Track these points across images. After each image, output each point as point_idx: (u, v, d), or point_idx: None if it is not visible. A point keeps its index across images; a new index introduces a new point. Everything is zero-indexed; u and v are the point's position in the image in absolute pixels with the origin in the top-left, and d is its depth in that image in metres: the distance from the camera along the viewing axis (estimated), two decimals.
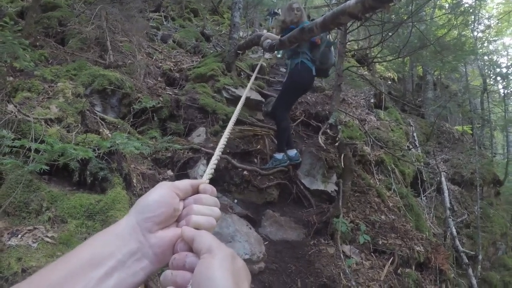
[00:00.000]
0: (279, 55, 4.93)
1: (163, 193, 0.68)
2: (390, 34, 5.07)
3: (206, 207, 0.71)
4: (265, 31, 10.71)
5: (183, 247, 0.64)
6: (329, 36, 4.62)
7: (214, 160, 0.93)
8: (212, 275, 0.54)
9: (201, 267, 0.56)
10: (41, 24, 5.82)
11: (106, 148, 3.00)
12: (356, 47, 9.61)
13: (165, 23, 9.48)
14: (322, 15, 3.78)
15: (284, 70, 7.24)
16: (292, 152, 4.68)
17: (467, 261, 6.13)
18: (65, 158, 2.87)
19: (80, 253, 0.60)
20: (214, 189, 0.76)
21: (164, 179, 4.02)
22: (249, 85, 3.06)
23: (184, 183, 0.73)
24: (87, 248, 0.61)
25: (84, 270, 0.57)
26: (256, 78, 6.57)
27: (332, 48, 4.68)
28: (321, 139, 4.34)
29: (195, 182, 0.74)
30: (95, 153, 3.07)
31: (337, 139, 4.25)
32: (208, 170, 0.85)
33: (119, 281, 0.59)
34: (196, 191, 0.74)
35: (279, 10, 11.36)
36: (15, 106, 3.58)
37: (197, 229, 0.66)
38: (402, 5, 5.59)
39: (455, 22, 8.14)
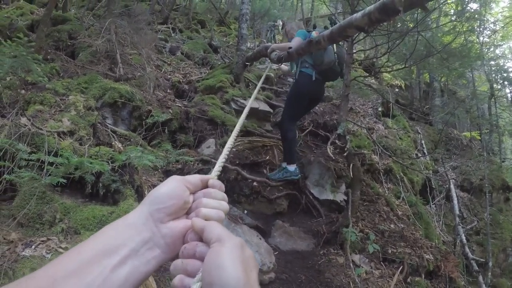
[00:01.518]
0: (292, 70, 5.00)
1: (174, 186, 0.70)
2: (396, 43, 5.11)
3: (215, 201, 0.73)
4: (272, 43, 10.83)
5: (193, 237, 0.66)
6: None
7: (221, 159, 0.95)
8: (222, 262, 0.55)
9: (211, 255, 0.58)
10: (52, 37, 5.92)
11: (121, 161, 3.05)
12: (363, 56, 9.64)
13: (173, 35, 9.58)
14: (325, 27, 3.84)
15: (292, 80, 7.33)
16: (292, 167, 4.64)
17: (477, 268, 6.08)
18: (81, 171, 2.93)
19: (94, 242, 0.62)
20: (222, 184, 0.79)
21: None
22: (253, 95, 3.09)
23: (195, 178, 0.75)
24: (101, 237, 0.64)
25: (98, 258, 0.59)
26: (264, 89, 6.62)
27: (330, 46, 4.67)
28: (329, 150, 4.36)
29: (205, 177, 0.77)
30: (110, 166, 3.12)
31: (346, 149, 4.27)
32: (216, 167, 0.88)
33: (132, 269, 0.62)
34: (205, 185, 0.76)
35: (279, 21, 11.48)
36: (29, 120, 3.66)
37: (207, 220, 0.68)
38: (408, 14, 5.62)
39: (460, 29, 8.15)
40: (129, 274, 0.61)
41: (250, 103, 2.34)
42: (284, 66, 5.67)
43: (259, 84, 3.96)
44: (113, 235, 0.64)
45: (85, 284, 0.56)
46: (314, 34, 4.56)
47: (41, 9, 7.93)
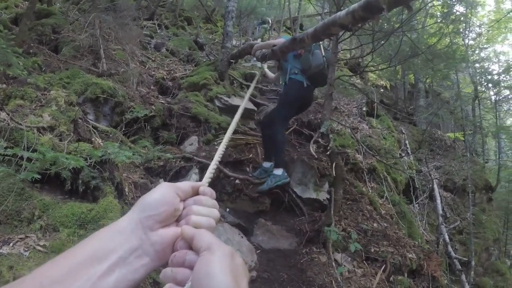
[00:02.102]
0: (281, 82, 5.00)
1: (165, 193, 0.70)
2: (381, 43, 5.12)
3: (206, 208, 0.73)
4: (259, 40, 10.81)
5: (183, 246, 0.65)
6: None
7: (213, 165, 0.97)
8: (211, 271, 0.55)
9: (201, 264, 0.57)
10: (35, 31, 5.82)
11: (97, 157, 3.00)
12: (348, 56, 9.68)
13: (158, 31, 9.50)
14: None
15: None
16: (279, 171, 4.46)
17: (460, 267, 6.15)
18: (57, 167, 2.87)
19: (82, 249, 0.61)
20: (214, 192, 0.78)
21: None
22: (246, 97, 3.08)
23: (185, 185, 0.74)
24: (89, 244, 0.63)
25: (86, 265, 0.58)
26: (248, 87, 6.60)
27: (318, 50, 4.69)
28: (312, 148, 4.35)
29: (196, 184, 0.76)
30: (87, 162, 3.08)
31: (329, 148, 4.27)
32: (207, 174, 0.89)
33: (120, 277, 0.61)
34: (196, 193, 0.76)
35: (268, 19, 11.46)
36: (8, 114, 3.58)
37: (197, 228, 0.67)
38: (394, 14, 5.65)
39: (446, 30, 8.23)
40: (117, 283, 0.60)
41: (243, 106, 2.31)
42: (270, 74, 5.62)
43: (252, 86, 3.94)
44: (101, 243, 0.63)
45: None
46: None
47: (26, 2, 7.79)
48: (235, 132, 5.14)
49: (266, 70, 5.60)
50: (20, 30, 5.16)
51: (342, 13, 2.99)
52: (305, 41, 3.61)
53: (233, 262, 0.58)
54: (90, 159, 3.15)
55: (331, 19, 3.19)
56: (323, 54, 4.70)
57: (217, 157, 1.04)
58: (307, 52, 4.61)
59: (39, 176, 2.73)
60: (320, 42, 4.72)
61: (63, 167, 2.90)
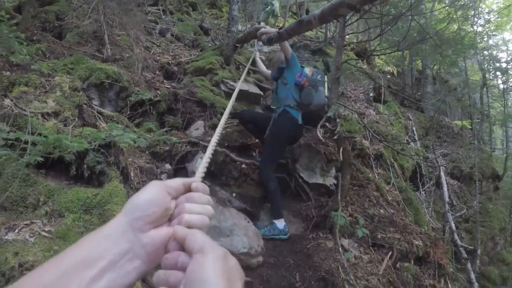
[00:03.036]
0: (273, 105, 4.79)
1: (155, 192, 0.68)
2: (389, 27, 5.04)
3: (199, 206, 0.71)
4: (262, 23, 10.72)
5: (175, 247, 0.64)
6: (320, 76, 4.44)
7: (206, 158, 0.92)
8: (203, 275, 0.53)
9: (193, 267, 0.56)
10: (38, 18, 5.81)
11: (101, 139, 2.98)
12: (355, 41, 9.57)
13: (163, 16, 9.47)
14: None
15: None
16: (281, 224, 4.11)
17: (465, 255, 6.12)
18: (61, 150, 2.85)
19: (71, 254, 0.60)
20: (207, 187, 0.76)
21: (162, 172, 4.01)
22: (242, 77, 3.03)
23: (176, 182, 0.72)
24: (78, 249, 0.61)
25: (76, 271, 0.57)
26: (254, 72, 6.55)
27: (322, 87, 4.43)
28: (319, 132, 4.29)
29: (187, 181, 0.74)
30: (91, 145, 3.05)
31: (336, 132, 4.22)
32: (200, 168, 0.85)
33: (110, 282, 0.59)
34: (188, 189, 0.74)
35: (275, 3, 11.35)
36: (12, 100, 3.57)
37: (190, 227, 0.66)
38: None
39: (454, 16, 8.11)
40: (108, 287, 0.59)
41: (238, 87, 2.27)
42: (262, 66, 5.36)
43: (247, 66, 3.88)
44: (91, 247, 0.61)
45: None
46: (306, 70, 4.44)
47: None
48: None
49: (258, 59, 5.37)
50: (23, 17, 5.14)
51: None
52: (312, 23, 3.55)
53: (226, 264, 0.56)
54: (94, 142, 3.13)
55: None
56: (326, 94, 4.48)
57: (210, 148, 0.99)
58: (311, 86, 4.33)
59: (42, 159, 2.71)
60: (325, 79, 4.55)
61: (66, 150, 2.89)
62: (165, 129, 4.37)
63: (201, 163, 0.88)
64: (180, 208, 0.69)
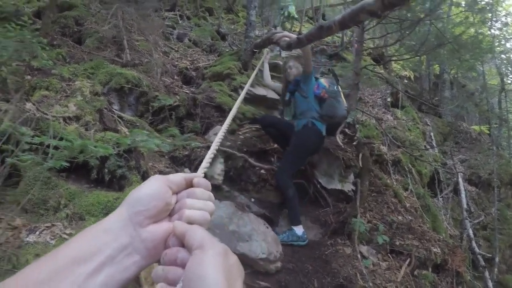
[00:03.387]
0: (287, 117, 4.78)
1: (156, 187, 0.67)
2: (407, 32, 5.00)
3: (200, 201, 0.70)
4: (278, 28, 10.73)
5: (175, 242, 0.63)
6: (336, 87, 4.41)
7: (210, 154, 0.95)
8: (203, 272, 0.53)
9: (192, 264, 0.55)
10: (58, 23, 5.89)
11: (126, 145, 3.00)
12: (371, 46, 9.53)
13: (180, 22, 9.55)
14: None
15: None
16: (300, 230, 4.09)
17: (483, 263, 6.02)
18: (85, 155, 2.88)
19: (67, 249, 0.58)
20: (209, 183, 0.76)
21: None
22: (250, 80, 3.03)
23: (178, 177, 0.72)
24: (75, 243, 0.60)
25: (71, 266, 0.56)
26: (272, 77, 6.56)
27: (341, 99, 4.41)
28: (339, 138, 4.28)
29: (189, 176, 0.74)
30: (115, 150, 3.08)
31: (355, 138, 4.20)
32: (203, 164, 0.87)
33: (108, 277, 0.58)
34: (190, 184, 0.73)
35: (291, 7, 11.36)
36: (34, 104, 3.62)
37: (190, 223, 0.65)
38: (418, 3, 5.51)
39: (472, 20, 8.04)
40: (105, 283, 0.58)
41: (247, 87, 2.28)
42: (268, 76, 5.20)
43: (257, 67, 3.84)
44: (88, 242, 0.60)
45: None
46: (322, 81, 4.43)
47: None
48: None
49: (266, 65, 5.24)
50: (43, 22, 5.21)
51: None
52: (332, 28, 3.53)
53: (226, 261, 0.56)
54: (118, 147, 3.16)
55: (359, 5, 3.10)
56: (345, 103, 4.47)
57: (214, 146, 1.01)
58: (332, 98, 4.33)
59: (67, 164, 2.74)
60: (340, 89, 4.54)
61: (91, 155, 2.92)
62: (188, 134, 4.39)
63: (204, 159, 0.90)
64: (181, 203, 0.69)
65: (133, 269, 0.62)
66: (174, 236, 0.64)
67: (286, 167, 4.27)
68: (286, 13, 11.06)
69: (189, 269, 0.55)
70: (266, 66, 5.21)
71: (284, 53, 7.89)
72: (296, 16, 11.63)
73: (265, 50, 5.47)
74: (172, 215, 0.69)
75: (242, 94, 2.09)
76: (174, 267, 0.59)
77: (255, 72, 3.56)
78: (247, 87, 2.41)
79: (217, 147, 1.01)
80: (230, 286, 0.53)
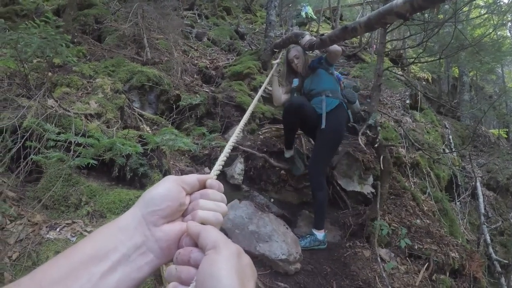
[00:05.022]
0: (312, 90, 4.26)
1: (170, 187, 0.68)
2: (432, 33, 4.95)
3: (213, 203, 0.70)
4: (295, 28, 10.70)
5: (188, 242, 0.64)
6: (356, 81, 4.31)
7: (222, 157, 0.93)
8: (216, 272, 0.53)
9: (206, 264, 0.55)
10: (78, 21, 5.95)
11: (155, 143, 3.01)
12: (389, 47, 9.45)
13: (199, 21, 9.61)
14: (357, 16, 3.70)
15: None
16: (321, 235, 3.95)
17: (500, 269, 5.95)
18: (112, 153, 2.90)
19: (82, 248, 0.59)
20: (221, 184, 0.76)
21: None
22: (267, 79, 3.01)
23: (191, 178, 0.72)
24: (90, 242, 0.61)
25: (86, 265, 0.56)
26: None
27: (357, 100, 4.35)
28: (361, 140, 4.24)
29: (202, 177, 0.74)
30: (141, 148, 3.10)
31: (377, 140, 4.16)
32: (216, 166, 0.86)
33: (123, 276, 0.59)
34: (203, 186, 0.74)
35: (307, 8, 11.33)
36: (56, 101, 3.66)
37: (203, 224, 0.65)
38: (440, 5, 5.45)
39: (493, 22, 7.93)
40: (120, 281, 0.58)
41: (260, 92, 2.26)
42: (277, 89, 4.45)
43: (271, 74, 3.72)
44: (103, 240, 0.61)
45: None
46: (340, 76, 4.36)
47: None
48: (279, 121, 5.08)
49: (276, 78, 4.51)
50: (64, 20, 5.26)
51: (399, 1, 2.88)
52: (358, 30, 3.51)
53: (240, 262, 0.56)
54: (144, 145, 3.18)
55: (387, 7, 3.08)
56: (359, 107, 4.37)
57: (229, 145, 1.01)
58: (348, 89, 4.30)
59: (95, 162, 2.76)
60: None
61: (117, 153, 2.94)
62: (214, 134, 4.39)
63: (217, 161, 0.89)
64: (194, 204, 0.70)
65: (147, 269, 0.62)
66: (187, 236, 0.64)
67: (322, 161, 3.95)
68: (303, 15, 11.04)
69: (203, 269, 0.55)
70: (275, 80, 4.49)
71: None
72: (314, 17, 11.61)
73: (273, 63, 4.61)
74: (185, 216, 0.69)
75: (258, 94, 2.09)
76: (187, 267, 0.60)
77: (271, 72, 3.52)
78: (262, 88, 2.41)
79: (231, 148, 1.01)
80: (244, 287, 0.53)
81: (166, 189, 0.67)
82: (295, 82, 4.40)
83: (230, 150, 1.01)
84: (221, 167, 0.87)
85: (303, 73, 4.38)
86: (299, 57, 4.38)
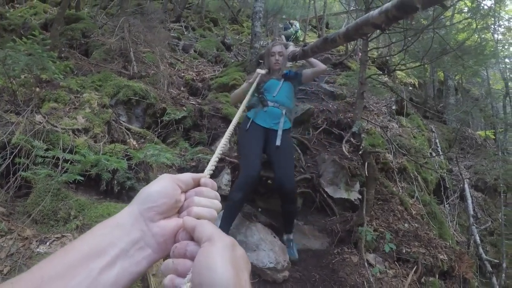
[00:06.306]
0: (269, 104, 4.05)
1: (165, 184, 0.70)
2: (412, 41, 5.04)
3: (207, 199, 0.73)
4: (282, 38, 10.76)
5: (184, 236, 0.66)
6: None
7: (215, 158, 0.96)
8: (211, 263, 0.55)
9: (201, 256, 0.57)
10: (65, 36, 5.98)
11: (138, 158, 3.06)
12: (376, 54, 9.56)
13: (185, 33, 9.66)
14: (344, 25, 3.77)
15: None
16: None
17: (490, 269, 6.00)
18: (98, 168, 2.94)
19: (81, 243, 0.61)
20: (215, 183, 0.79)
21: None
22: (246, 98, 2.97)
23: (186, 176, 0.75)
24: (89, 238, 0.62)
25: (86, 260, 0.58)
26: None
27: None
28: (345, 148, 4.29)
29: (196, 176, 0.77)
30: (126, 163, 3.14)
31: (361, 147, 4.22)
32: (209, 166, 0.88)
33: (122, 270, 0.61)
34: (197, 184, 0.77)
35: (295, 23, 11.43)
36: (44, 117, 3.69)
37: (199, 219, 0.67)
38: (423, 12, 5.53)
39: (475, 26, 8.05)
40: (119, 276, 0.60)
41: (243, 105, 2.28)
42: None
43: (253, 86, 3.47)
44: (101, 236, 0.62)
45: (71, 286, 0.55)
46: None
47: (55, 8, 8.04)
48: None
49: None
50: (51, 35, 5.29)
51: (375, 12, 2.95)
52: (337, 41, 3.59)
53: (234, 253, 0.58)
54: (129, 160, 3.22)
55: (363, 18, 3.16)
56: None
57: (219, 149, 1.05)
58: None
59: (82, 178, 2.79)
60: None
61: (103, 168, 2.97)
62: (198, 148, 4.43)
63: (210, 162, 0.92)
64: (189, 201, 0.72)
65: (145, 263, 0.65)
66: (183, 230, 0.67)
67: (293, 169, 3.99)
68: (292, 32, 11.09)
69: (198, 260, 0.57)
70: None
71: (287, 64, 7.93)
72: (301, 38, 11.66)
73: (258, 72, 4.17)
74: (181, 212, 0.72)
75: (243, 105, 2.12)
76: (183, 260, 0.62)
77: (255, 83, 3.38)
78: (247, 99, 2.44)
79: (221, 152, 1.05)
80: (238, 277, 0.54)
81: (162, 186, 0.69)
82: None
83: (221, 152, 1.05)
84: (214, 167, 0.90)
85: (275, 73, 4.22)
86: (283, 54, 4.23)
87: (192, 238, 0.64)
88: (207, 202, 0.72)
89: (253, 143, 3.84)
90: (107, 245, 0.61)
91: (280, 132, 3.85)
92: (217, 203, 0.74)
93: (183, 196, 0.73)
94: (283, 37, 11.20)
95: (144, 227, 0.66)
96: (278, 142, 3.79)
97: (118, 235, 0.63)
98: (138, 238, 0.64)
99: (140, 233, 0.65)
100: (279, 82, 4.11)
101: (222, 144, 1.14)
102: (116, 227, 0.64)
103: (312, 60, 4.19)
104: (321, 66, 4.19)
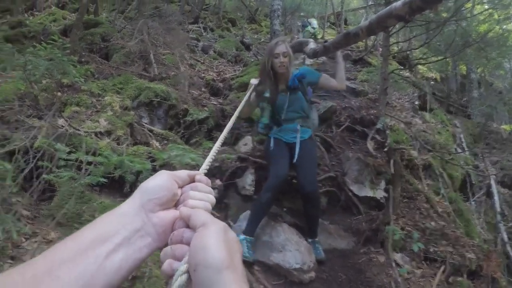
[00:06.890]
0: (263, 121, 4.06)
1: (164, 179, 0.76)
2: (435, 34, 4.93)
3: (202, 194, 0.79)
4: (300, 35, 10.70)
5: (181, 225, 0.71)
6: None
7: (211, 156, 1.04)
8: (206, 243, 0.60)
9: (197, 238, 0.63)
10: (85, 40, 6.04)
11: (162, 160, 3.05)
12: (396, 49, 9.43)
13: (204, 34, 9.70)
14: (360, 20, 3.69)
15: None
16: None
17: None
18: (121, 170, 2.94)
19: (88, 231, 0.66)
20: (209, 180, 0.84)
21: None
22: (244, 99, 2.93)
23: (182, 173, 0.80)
24: (95, 226, 0.67)
25: (93, 245, 0.63)
26: None
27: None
28: (370, 145, 4.22)
29: (192, 173, 0.83)
30: (150, 165, 3.13)
31: (386, 144, 4.15)
32: (204, 165, 0.96)
33: (125, 256, 0.65)
34: (192, 180, 0.82)
35: (313, 21, 11.35)
36: (66, 121, 3.72)
37: None
38: (443, 3, 5.42)
39: (497, 17, 7.88)
40: (123, 261, 0.65)
41: (243, 103, 2.24)
42: None
43: (249, 92, 3.34)
44: (107, 224, 0.68)
45: (81, 269, 0.59)
46: None
47: (73, 14, 8.14)
48: None
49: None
50: (71, 40, 5.35)
51: (398, 4, 2.90)
52: (360, 35, 3.52)
53: (227, 236, 0.63)
54: (153, 161, 3.21)
55: (386, 10, 3.10)
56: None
57: (215, 148, 1.11)
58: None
59: (105, 180, 2.80)
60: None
61: (126, 170, 2.97)
62: (222, 147, 4.42)
63: (206, 159, 1.01)
64: (185, 195, 0.77)
65: (146, 250, 0.69)
66: (180, 219, 0.72)
67: (315, 173, 3.92)
68: (310, 30, 11.02)
69: (194, 243, 0.62)
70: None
71: (308, 61, 7.86)
72: (319, 36, 11.59)
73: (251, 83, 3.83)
74: (177, 205, 0.77)
75: (241, 106, 2.11)
76: (180, 245, 0.67)
77: (248, 93, 3.20)
78: (242, 103, 2.41)
79: (217, 150, 1.12)
80: (231, 257, 0.59)
81: (161, 180, 0.75)
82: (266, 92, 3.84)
83: (217, 150, 1.10)
84: (209, 165, 0.98)
85: (281, 78, 3.83)
86: (288, 55, 3.68)
87: (188, 226, 0.69)
88: (201, 195, 0.78)
89: (279, 153, 3.81)
90: (111, 232, 0.66)
91: (298, 147, 3.75)
92: (211, 197, 0.80)
93: (180, 191, 0.78)
94: (300, 35, 11.15)
95: (145, 218, 0.71)
96: (295, 157, 3.72)
97: (121, 224, 0.68)
98: (140, 227, 0.69)
99: (141, 222, 0.70)
100: (285, 97, 3.81)
101: (217, 145, 1.18)
102: (120, 216, 0.70)
103: (339, 61, 3.99)
104: (342, 85, 3.99)
